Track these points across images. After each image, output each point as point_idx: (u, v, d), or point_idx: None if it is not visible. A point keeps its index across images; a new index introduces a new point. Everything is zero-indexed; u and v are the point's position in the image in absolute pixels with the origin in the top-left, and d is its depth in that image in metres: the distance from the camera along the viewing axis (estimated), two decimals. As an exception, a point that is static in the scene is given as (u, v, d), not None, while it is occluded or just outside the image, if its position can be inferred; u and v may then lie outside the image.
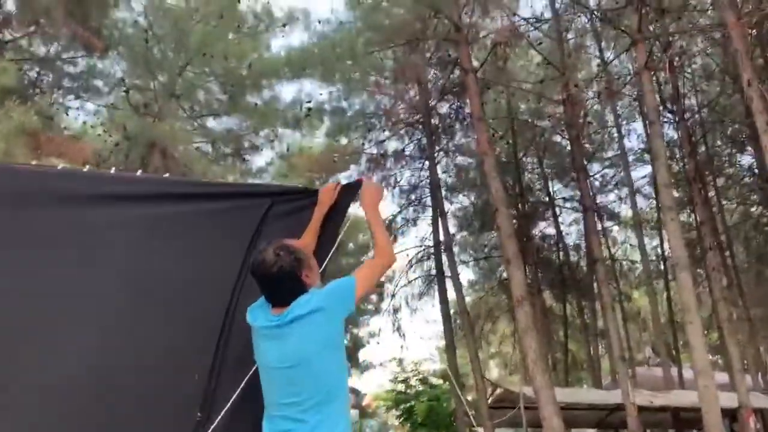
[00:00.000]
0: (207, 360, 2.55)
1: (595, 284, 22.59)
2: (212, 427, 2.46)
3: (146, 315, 2.57)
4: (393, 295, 21.17)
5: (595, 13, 14.60)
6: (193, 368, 2.55)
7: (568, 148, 21.35)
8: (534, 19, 14.26)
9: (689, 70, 18.44)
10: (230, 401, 2.48)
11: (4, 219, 2.44)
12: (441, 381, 26.23)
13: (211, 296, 2.63)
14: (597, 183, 23.25)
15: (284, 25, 17.71)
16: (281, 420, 2.28)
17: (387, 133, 19.14)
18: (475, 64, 13.25)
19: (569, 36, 16.49)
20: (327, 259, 2.78)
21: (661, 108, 15.06)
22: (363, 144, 18.98)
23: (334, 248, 2.82)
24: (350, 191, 2.85)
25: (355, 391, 30.04)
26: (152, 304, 2.59)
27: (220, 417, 2.47)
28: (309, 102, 17.75)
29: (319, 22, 15.38)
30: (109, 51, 15.27)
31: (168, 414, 2.50)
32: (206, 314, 2.61)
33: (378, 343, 25.80)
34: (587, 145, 20.87)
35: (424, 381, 26.84)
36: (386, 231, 2.75)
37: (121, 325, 2.52)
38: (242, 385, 2.50)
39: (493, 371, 36.49)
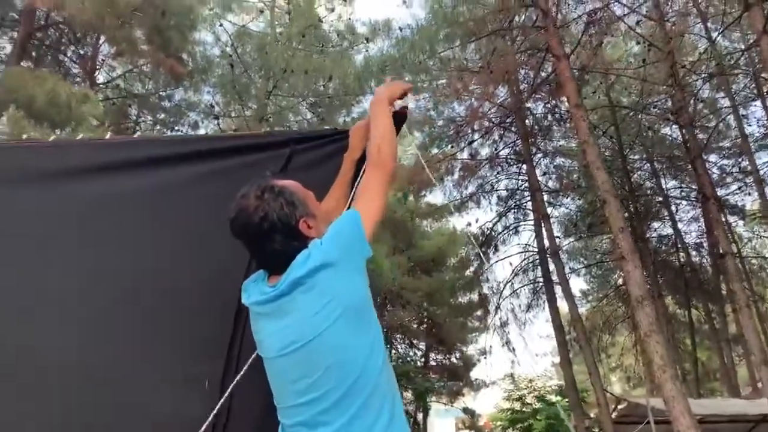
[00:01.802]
0: (218, 363, 2.03)
1: (723, 285, 20.81)
2: None
3: (148, 306, 2.12)
4: (498, 307, 20.16)
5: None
6: (205, 371, 2.03)
7: (679, 139, 19.87)
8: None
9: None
10: (247, 418, 1.93)
11: None
12: (559, 398, 24.78)
13: (222, 281, 2.08)
14: (715, 175, 21.36)
15: (367, 40, 17.46)
16: (298, 429, 1.64)
17: (479, 138, 18.32)
18: (568, 51, 12.30)
19: (670, 13, 15.17)
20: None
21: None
22: (455, 152, 18.27)
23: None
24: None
25: (470, 412, 29.06)
26: (155, 293, 2.14)
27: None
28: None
29: (401, 29, 14.95)
30: (194, 77, 15.57)
31: (175, 427, 1.99)
32: (217, 302, 2.06)
33: (485, 359, 24.71)
34: (700, 135, 19.19)
35: (540, 398, 25.46)
36: (391, 130, 1.96)
37: (119, 320, 2.11)
38: (261, 396, 1.90)
39: (615, 386, 34.28)
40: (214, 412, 1.92)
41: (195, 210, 2.20)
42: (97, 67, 15.69)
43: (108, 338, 2.09)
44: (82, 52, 15.83)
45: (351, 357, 1.61)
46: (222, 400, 1.95)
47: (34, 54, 14.96)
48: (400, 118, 2.10)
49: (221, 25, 16.33)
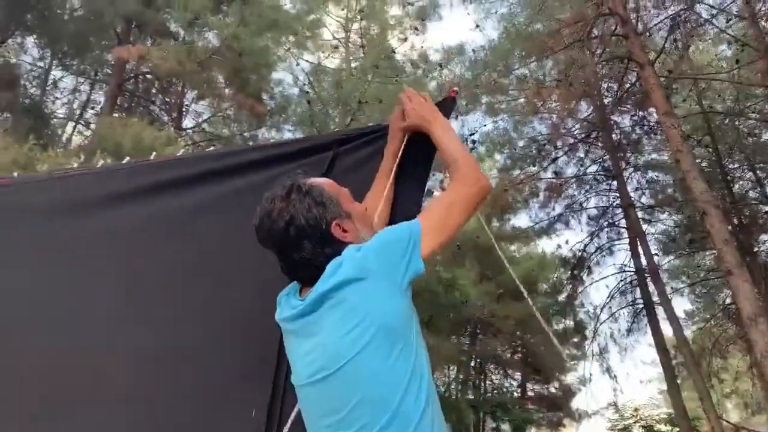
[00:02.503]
0: (266, 391, 1.82)
1: None
2: None
3: (190, 334, 1.98)
4: (596, 333, 19.17)
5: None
6: (250, 402, 1.83)
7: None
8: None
9: None
10: None
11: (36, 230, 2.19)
12: (668, 427, 23.21)
13: (269, 299, 1.88)
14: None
15: (440, 66, 17.38)
16: None
17: (563, 155, 17.70)
18: (652, 58, 11.68)
19: (763, 9, 14.16)
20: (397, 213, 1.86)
21: None
22: (538, 171, 17.70)
23: (421, 197, 1.91)
24: (441, 108, 1.89)
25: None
26: (197, 318, 1.99)
27: None
28: (473, 134, 16.87)
29: (474, 51, 14.74)
30: (275, 116, 15.94)
31: None
32: (263, 325, 1.87)
33: (586, 388, 23.53)
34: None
35: (649, 428, 23.95)
36: (464, 146, 1.73)
37: (164, 344, 1.99)
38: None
39: (731, 413, 31.79)
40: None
41: (240, 225, 2.05)
42: (183, 112, 16.36)
43: (158, 362, 1.98)
44: (168, 99, 16.60)
45: (383, 393, 1.33)
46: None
47: (125, 104, 15.81)
48: None
49: (298, 64, 16.71)
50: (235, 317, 1.96)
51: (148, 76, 15.57)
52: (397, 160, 1.89)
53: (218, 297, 2.00)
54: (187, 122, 16.92)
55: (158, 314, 2.02)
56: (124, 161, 2.43)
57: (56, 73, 17.55)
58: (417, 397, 1.34)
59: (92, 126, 16.32)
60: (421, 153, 1.91)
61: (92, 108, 18.04)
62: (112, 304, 2.07)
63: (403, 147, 1.91)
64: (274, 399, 1.81)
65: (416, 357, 1.40)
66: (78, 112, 18.25)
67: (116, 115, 14.46)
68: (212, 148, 16.64)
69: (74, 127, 17.78)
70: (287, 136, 17.78)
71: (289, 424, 1.69)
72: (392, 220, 1.81)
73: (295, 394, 1.69)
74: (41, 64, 17.12)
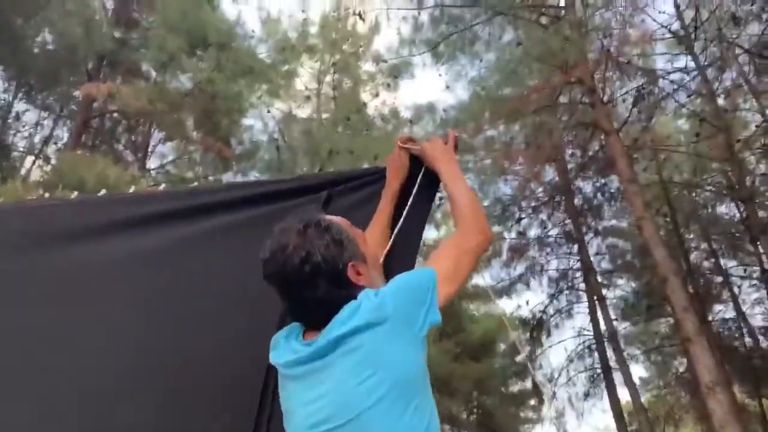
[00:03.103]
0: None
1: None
2: None
3: (168, 369, 1.87)
4: (554, 397, 19.09)
5: (752, 51, 12.98)
6: None
7: (737, 217, 19.14)
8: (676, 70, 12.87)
9: None
10: None
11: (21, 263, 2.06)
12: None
13: (251, 341, 1.76)
14: (779, 256, 20.31)
15: (411, 122, 17.64)
16: None
17: (526, 218, 17.97)
18: (616, 127, 12.07)
19: (720, 90, 14.88)
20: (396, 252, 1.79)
21: None
22: (502, 232, 17.90)
23: (419, 242, 1.86)
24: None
25: None
26: (176, 358, 1.89)
27: None
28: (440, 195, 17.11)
29: (444, 110, 15.03)
30: (242, 161, 15.88)
31: None
32: (247, 366, 1.76)
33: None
34: (761, 212, 18.44)
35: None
36: (473, 194, 1.70)
37: (136, 391, 1.86)
38: None
39: (683, 484, 31.77)
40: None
41: (223, 264, 1.96)
42: (149, 152, 16.19)
43: (124, 413, 1.83)
44: (134, 139, 16.42)
45: None
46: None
47: (89, 142, 15.56)
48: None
49: (269, 111, 16.76)
50: (218, 360, 1.86)
51: (115, 114, 15.41)
52: (395, 202, 1.85)
53: (200, 334, 1.89)
54: (152, 163, 16.74)
55: (132, 354, 1.89)
56: (100, 194, 2.33)
57: (20, 105, 17.27)
58: None
59: (53, 161, 15.97)
60: (420, 199, 1.87)
61: (54, 143, 17.72)
62: (89, 342, 1.94)
63: (401, 190, 1.88)
64: None
65: (431, 415, 1.32)
66: (39, 146, 17.89)
67: (79, 151, 14.20)
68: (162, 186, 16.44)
69: (34, 162, 17.39)
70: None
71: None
72: (389, 267, 1.73)
73: None
74: (5, 95, 16.82)
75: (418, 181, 1.88)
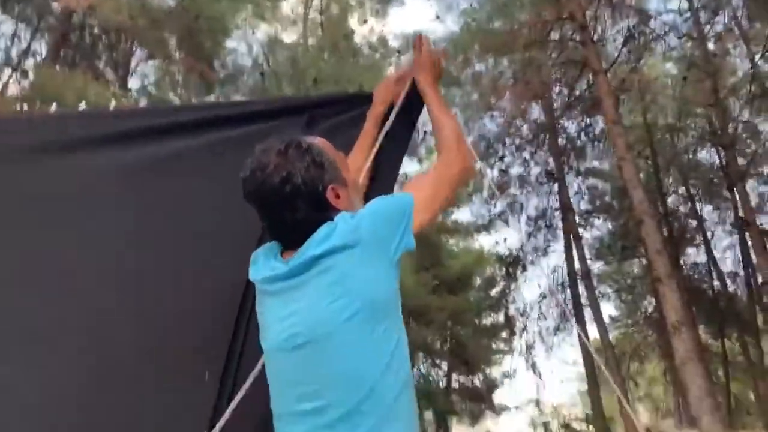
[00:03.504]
0: (221, 353, 1.75)
1: (759, 316, 20.09)
2: None
3: (147, 288, 1.88)
4: (524, 330, 19.68)
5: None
6: (203, 364, 1.76)
7: (717, 164, 19.34)
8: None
9: None
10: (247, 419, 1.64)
11: None
12: (585, 426, 24.08)
13: (231, 259, 1.78)
14: (752, 203, 20.68)
15: (399, 52, 17.33)
16: None
17: (510, 156, 18.01)
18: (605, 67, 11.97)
19: (712, 34, 14.77)
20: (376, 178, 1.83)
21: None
22: (485, 170, 17.96)
23: (399, 166, 1.89)
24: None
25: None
26: (157, 276, 1.89)
27: None
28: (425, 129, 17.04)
29: (433, 42, 14.74)
30: (225, 85, 15.58)
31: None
32: (223, 285, 1.79)
33: (510, 383, 24.13)
34: (740, 159, 18.61)
35: (566, 426, 24.78)
36: (458, 123, 1.69)
37: (115, 305, 1.88)
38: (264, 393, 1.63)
39: (642, 416, 33.28)
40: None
41: (205, 182, 1.96)
42: (130, 72, 15.79)
43: (103, 327, 1.87)
44: (115, 56, 15.95)
45: (361, 369, 1.28)
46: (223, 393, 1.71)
47: (68, 57, 15.09)
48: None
49: (254, 33, 16.34)
50: (196, 276, 1.88)
51: (95, 30, 14.91)
52: (383, 128, 1.85)
53: (178, 255, 1.91)
54: (133, 83, 16.34)
55: (111, 271, 1.91)
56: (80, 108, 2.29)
57: (-4, 15, 16.61)
58: (396, 378, 1.30)
59: (31, 76, 15.53)
60: (404, 124, 1.87)
61: (33, 56, 17.18)
62: (66, 260, 1.94)
63: (388, 115, 1.88)
64: (228, 363, 1.74)
65: (398, 338, 1.35)
66: (16, 59, 17.33)
67: (58, 67, 13.79)
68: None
69: (11, 75, 16.89)
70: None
71: (242, 392, 1.62)
72: (369, 192, 1.75)
73: (251, 360, 1.63)
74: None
75: (400, 102, 1.87)
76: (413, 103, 1.87)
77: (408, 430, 1.30)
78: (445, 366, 26.27)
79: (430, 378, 26.09)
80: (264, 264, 1.46)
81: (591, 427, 21.84)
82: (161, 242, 1.91)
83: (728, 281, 21.72)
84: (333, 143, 1.63)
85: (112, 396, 1.81)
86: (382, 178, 1.82)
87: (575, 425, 24.83)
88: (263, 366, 1.50)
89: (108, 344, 1.83)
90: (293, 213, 1.38)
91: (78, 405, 1.81)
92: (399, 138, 1.89)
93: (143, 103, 15.17)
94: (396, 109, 1.87)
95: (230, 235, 1.84)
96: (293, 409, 1.33)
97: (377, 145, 1.83)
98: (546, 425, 25.20)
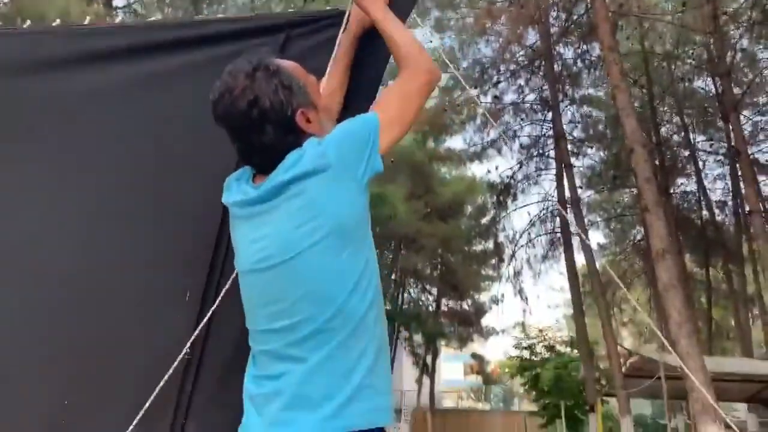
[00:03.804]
0: (201, 274, 1.79)
1: (745, 245, 20.46)
2: (201, 371, 1.72)
3: (128, 210, 1.91)
4: (513, 257, 19.98)
5: None
6: (184, 285, 1.79)
7: (712, 93, 19.18)
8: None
9: None
10: (225, 338, 1.71)
11: None
12: (569, 349, 24.86)
13: (208, 182, 1.80)
14: (746, 132, 20.61)
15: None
16: (267, 359, 1.38)
17: (504, 82, 17.74)
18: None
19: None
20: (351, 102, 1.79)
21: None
22: (478, 96, 17.71)
23: (377, 87, 1.84)
24: None
25: (479, 358, 29.34)
26: (136, 196, 1.92)
27: (212, 358, 1.72)
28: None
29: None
30: (215, 4, 15.14)
31: (150, 349, 1.79)
32: (203, 207, 1.81)
33: (497, 307, 24.71)
34: (735, 89, 18.43)
35: (550, 348, 25.57)
36: (412, 34, 1.62)
37: (97, 227, 1.92)
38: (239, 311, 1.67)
39: (626, 341, 34.31)
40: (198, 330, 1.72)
41: (178, 105, 1.95)
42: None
43: (85, 245, 1.92)
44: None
45: (329, 289, 1.32)
46: (204, 314, 1.75)
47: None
48: None
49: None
50: (176, 199, 1.90)
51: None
52: (355, 48, 1.82)
53: (157, 178, 1.92)
54: (118, 1, 15.82)
55: (91, 194, 1.93)
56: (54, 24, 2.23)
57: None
58: (363, 297, 1.34)
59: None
60: (379, 44, 1.84)
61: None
62: (42, 184, 1.96)
63: (361, 35, 1.84)
64: (209, 281, 1.79)
65: (367, 260, 1.39)
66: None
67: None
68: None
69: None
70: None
71: (217, 302, 1.68)
72: (344, 114, 1.74)
73: (232, 284, 1.68)
74: None
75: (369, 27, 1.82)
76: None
77: (373, 344, 1.35)
78: (435, 291, 26.83)
79: (420, 302, 26.68)
80: (236, 188, 1.48)
81: (575, 350, 22.55)
82: (140, 166, 1.93)
83: (717, 210, 22.00)
84: (307, 66, 1.60)
85: (94, 315, 1.87)
86: (356, 103, 1.80)
87: (559, 348, 25.62)
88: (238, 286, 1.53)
89: (90, 267, 1.87)
90: (261, 136, 1.38)
91: (61, 323, 1.87)
92: (374, 62, 1.86)
93: (128, 23, 14.74)
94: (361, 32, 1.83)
95: (207, 158, 1.85)
96: (265, 327, 1.39)
97: (350, 70, 1.81)
98: (531, 348, 25.95)
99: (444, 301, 27.07)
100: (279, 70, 1.41)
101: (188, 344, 1.70)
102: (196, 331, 1.72)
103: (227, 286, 1.69)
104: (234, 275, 1.62)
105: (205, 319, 1.71)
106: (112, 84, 1.98)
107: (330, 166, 1.33)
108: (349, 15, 1.84)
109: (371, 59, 1.86)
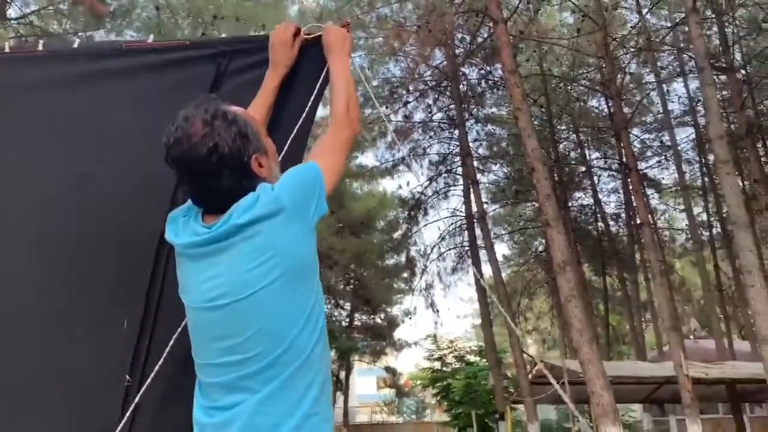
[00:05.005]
0: (139, 302, 1.84)
1: (637, 254, 21.87)
2: (143, 398, 1.76)
3: (62, 241, 1.93)
4: (424, 270, 20.45)
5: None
6: (122, 313, 1.84)
7: (605, 112, 20.46)
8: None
9: (735, 22, 17.17)
10: (164, 361, 1.76)
11: None
12: (478, 358, 25.58)
13: (144, 209, 1.88)
14: (636, 149, 22.10)
15: (301, -10, 16.91)
16: (218, 390, 1.45)
17: (413, 101, 18.22)
18: (506, 16, 12.28)
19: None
20: (288, 144, 1.90)
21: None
22: (389, 114, 18.11)
23: (296, 129, 1.94)
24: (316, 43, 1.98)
25: (392, 371, 29.61)
26: (70, 225, 1.94)
27: (152, 383, 1.75)
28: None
29: (339, -16, 14.53)
30: (117, 19, 14.71)
31: (90, 380, 1.82)
32: (138, 235, 1.87)
33: (411, 319, 25.10)
34: (625, 109, 19.76)
35: (460, 358, 26.22)
36: (353, 89, 1.84)
37: (29, 256, 1.94)
38: (178, 337, 1.74)
39: (531, 348, 35.64)
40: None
41: (121, 132, 2.00)
42: (8, 1, 14.52)
43: (14, 276, 1.92)
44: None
45: (281, 327, 1.42)
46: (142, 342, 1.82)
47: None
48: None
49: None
50: (117, 225, 1.93)
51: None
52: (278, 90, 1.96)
53: (88, 207, 1.95)
54: (13, 12, 15.04)
55: (20, 226, 1.94)
56: None
57: None
58: (311, 334, 1.45)
59: None
60: (309, 84, 1.97)
61: None
62: None
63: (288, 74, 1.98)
64: (146, 312, 1.83)
65: (316, 299, 1.50)
66: None
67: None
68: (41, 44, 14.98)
69: None
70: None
71: (171, 344, 1.75)
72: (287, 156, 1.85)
73: (169, 310, 1.75)
74: None
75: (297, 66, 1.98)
76: (319, 68, 1.96)
77: (319, 377, 1.46)
78: (348, 306, 26.95)
79: (334, 318, 26.71)
80: (184, 227, 1.54)
81: (484, 359, 23.24)
82: (77, 190, 1.95)
83: (611, 222, 23.41)
84: (242, 100, 1.77)
85: (34, 341, 1.86)
86: (283, 131, 1.91)
87: (469, 357, 26.31)
88: (182, 316, 1.60)
89: (19, 296, 1.89)
90: (218, 181, 1.46)
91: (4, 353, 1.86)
92: (303, 92, 1.98)
93: (25, 35, 14.06)
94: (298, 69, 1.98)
95: (144, 184, 1.90)
96: (215, 361, 1.46)
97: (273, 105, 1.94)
98: (442, 359, 26.50)
99: (357, 315, 27.25)
100: (236, 119, 1.50)
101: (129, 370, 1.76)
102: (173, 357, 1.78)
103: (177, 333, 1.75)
104: (172, 302, 1.67)
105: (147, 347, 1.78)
106: (44, 112, 2.01)
107: (283, 210, 1.43)
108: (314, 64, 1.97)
109: (301, 88, 1.99)
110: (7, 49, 2.14)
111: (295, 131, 1.92)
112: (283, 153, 1.83)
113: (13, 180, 1.99)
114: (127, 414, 1.76)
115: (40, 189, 1.97)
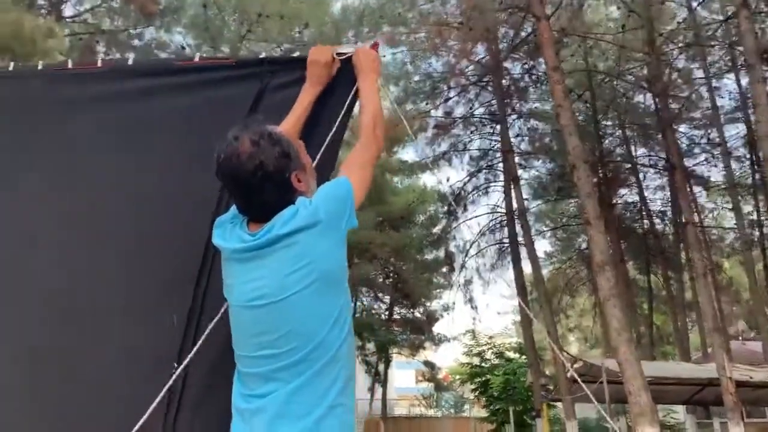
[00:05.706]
0: (186, 299, 2.00)
1: (683, 253, 21.37)
2: (189, 383, 1.94)
3: (118, 243, 2.11)
4: (463, 266, 20.44)
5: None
6: (170, 309, 2.01)
7: (652, 108, 20.03)
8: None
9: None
10: (207, 350, 1.93)
11: None
12: (517, 355, 25.44)
13: (193, 214, 2.05)
14: (683, 146, 21.59)
15: (346, -12, 17.02)
16: (254, 380, 1.64)
17: (455, 96, 18.19)
18: (549, 12, 12.18)
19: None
20: (320, 156, 2.04)
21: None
22: (429, 109, 18.14)
23: (327, 142, 2.07)
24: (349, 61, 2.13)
25: (430, 365, 29.67)
26: (125, 229, 2.13)
27: (198, 371, 1.94)
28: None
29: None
30: (166, 16, 15.10)
31: (141, 366, 2.01)
32: (187, 238, 2.04)
33: (450, 315, 25.09)
34: (672, 105, 19.32)
35: (499, 355, 26.11)
36: (380, 108, 2.03)
37: (88, 257, 2.12)
38: (219, 329, 1.90)
39: (572, 346, 35.25)
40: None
41: (171, 144, 2.18)
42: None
43: (75, 275, 2.10)
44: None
45: (312, 328, 1.59)
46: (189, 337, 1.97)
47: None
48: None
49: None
50: (159, 230, 2.10)
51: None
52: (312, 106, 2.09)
53: (142, 212, 2.12)
54: (68, 11, 15.62)
55: (81, 229, 2.11)
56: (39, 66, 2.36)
57: None
58: (339, 333, 1.62)
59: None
60: (341, 93, 2.10)
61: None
62: (32, 217, 2.14)
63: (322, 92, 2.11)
64: (193, 308, 2.00)
65: (344, 302, 1.68)
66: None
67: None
68: (97, 42, 15.56)
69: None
70: (177, 39, 16.90)
71: (205, 334, 1.91)
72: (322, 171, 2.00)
73: (213, 306, 1.92)
74: None
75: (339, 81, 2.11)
76: (349, 87, 2.11)
77: (344, 372, 1.63)
78: (387, 299, 27.10)
79: (373, 311, 26.92)
80: (231, 232, 1.72)
81: (523, 356, 23.13)
82: (132, 196, 2.12)
83: (657, 220, 22.96)
84: (279, 118, 1.94)
85: (84, 339, 2.04)
86: (324, 161, 2.05)
87: (508, 354, 26.19)
88: (224, 312, 1.80)
89: (80, 293, 2.07)
90: (261, 195, 1.64)
91: (50, 348, 2.04)
92: (332, 109, 2.11)
93: (80, 33, 14.59)
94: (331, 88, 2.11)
95: (193, 191, 2.06)
96: (253, 354, 1.64)
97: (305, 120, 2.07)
98: (481, 354, 26.44)
99: (396, 309, 27.38)
100: (280, 140, 1.68)
101: (183, 364, 1.92)
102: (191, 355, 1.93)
103: (217, 317, 1.90)
104: (216, 301, 1.86)
105: (199, 343, 1.93)
106: (85, 130, 2.18)
107: (320, 222, 1.61)
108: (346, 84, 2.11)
109: (332, 105, 2.13)
110: (70, 65, 2.32)
111: (325, 144, 2.06)
112: (315, 163, 1.96)
113: (83, 189, 2.16)
114: (175, 397, 1.94)
115: (102, 198, 2.15)
